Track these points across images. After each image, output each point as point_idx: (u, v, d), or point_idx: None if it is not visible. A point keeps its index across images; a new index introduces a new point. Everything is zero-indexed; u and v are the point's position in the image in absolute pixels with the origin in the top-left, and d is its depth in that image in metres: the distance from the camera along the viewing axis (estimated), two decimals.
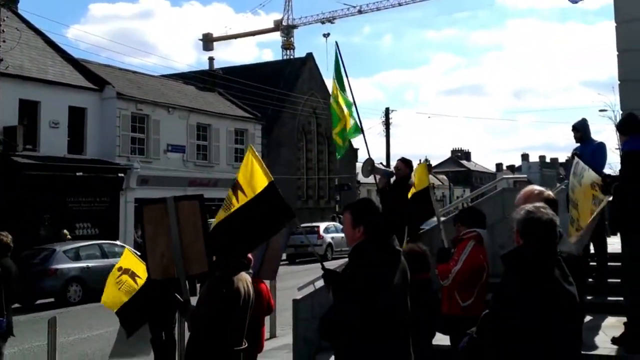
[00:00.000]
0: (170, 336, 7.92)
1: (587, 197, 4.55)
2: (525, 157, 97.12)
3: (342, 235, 22.99)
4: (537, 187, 3.83)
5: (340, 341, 3.25)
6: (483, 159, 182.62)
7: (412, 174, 7.89)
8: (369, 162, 7.97)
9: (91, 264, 15.85)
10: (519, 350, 2.64)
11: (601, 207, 4.44)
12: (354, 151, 45.00)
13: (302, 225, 18.96)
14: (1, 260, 5.84)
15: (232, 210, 4.61)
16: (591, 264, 6.97)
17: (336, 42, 8.02)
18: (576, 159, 5.03)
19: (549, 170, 32.55)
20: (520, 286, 2.70)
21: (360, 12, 58.96)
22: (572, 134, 7.27)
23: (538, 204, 2.93)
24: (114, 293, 7.27)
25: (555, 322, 2.63)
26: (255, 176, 4.71)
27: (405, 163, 7.88)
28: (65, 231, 18.87)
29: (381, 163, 9.21)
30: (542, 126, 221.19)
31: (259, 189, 4.64)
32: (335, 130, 7.95)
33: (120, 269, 7.52)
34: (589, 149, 6.88)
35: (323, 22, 60.28)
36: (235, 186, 4.75)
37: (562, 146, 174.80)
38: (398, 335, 3.28)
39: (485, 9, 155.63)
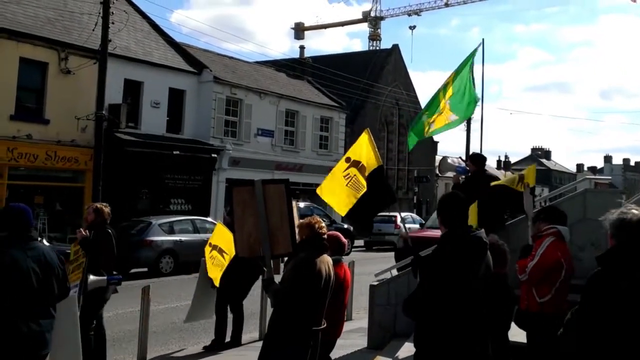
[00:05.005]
0: (238, 310, 8.30)
1: None
2: (608, 159, 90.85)
3: (418, 225, 23.05)
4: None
5: (420, 321, 3.44)
6: (563, 159, 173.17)
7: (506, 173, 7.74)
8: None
9: (184, 237, 16.64)
10: (608, 350, 2.62)
11: None
12: (434, 144, 44.30)
13: (380, 214, 19.26)
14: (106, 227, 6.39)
15: (363, 190, 4.89)
16: None
17: (482, 40, 8.44)
18: None
19: (633, 174, 30.72)
20: (612, 286, 2.69)
21: (447, 5, 57.25)
22: None
23: (630, 206, 2.97)
24: (211, 268, 7.83)
25: None
26: (370, 157, 4.97)
27: (471, 160, 7.76)
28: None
29: (460, 157, 9.22)
30: (630, 128, 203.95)
31: (370, 170, 4.91)
32: (429, 119, 7.61)
33: (210, 244, 8.02)
34: None
35: (410, 15, 59.23)
36: (352, 162, 5.01)
37: None
38: (474, 325, 3.38)
39: (577, 3, 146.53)
